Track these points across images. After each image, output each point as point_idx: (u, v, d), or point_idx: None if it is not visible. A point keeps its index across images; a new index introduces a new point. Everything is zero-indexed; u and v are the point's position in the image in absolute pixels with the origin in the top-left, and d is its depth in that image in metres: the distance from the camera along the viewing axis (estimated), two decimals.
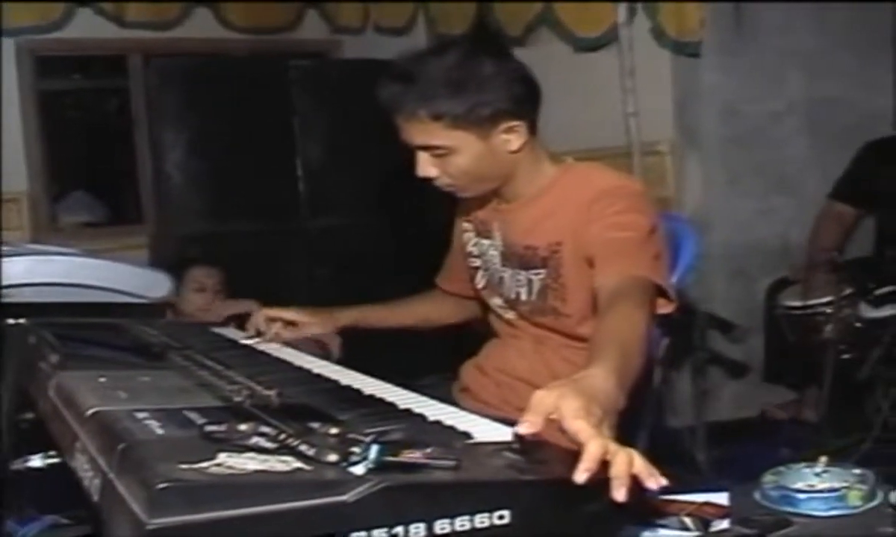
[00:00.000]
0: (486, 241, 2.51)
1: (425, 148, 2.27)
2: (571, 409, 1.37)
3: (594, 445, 1.28)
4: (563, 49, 5.41)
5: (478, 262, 2.56)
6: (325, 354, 3.16)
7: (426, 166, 2.29)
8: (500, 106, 2.22)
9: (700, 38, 4.97)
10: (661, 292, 2.14)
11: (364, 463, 1.18)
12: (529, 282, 2.40)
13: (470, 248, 2.58)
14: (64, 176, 6.73)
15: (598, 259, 2.16)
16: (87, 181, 6.94)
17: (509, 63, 2.29)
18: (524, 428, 1.37)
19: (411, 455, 1.21)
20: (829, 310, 4.19)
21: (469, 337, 2.73)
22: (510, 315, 2.50)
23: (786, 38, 5.21)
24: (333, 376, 2.01)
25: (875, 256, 4.72)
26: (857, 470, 1.63)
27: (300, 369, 2.13)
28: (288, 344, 2.58)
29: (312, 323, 2.69)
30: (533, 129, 2.33)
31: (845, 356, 4.12)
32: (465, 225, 2.60)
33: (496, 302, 2.53)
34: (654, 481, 1.31)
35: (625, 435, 1.49)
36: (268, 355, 2.35)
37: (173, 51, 6.32)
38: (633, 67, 5.04)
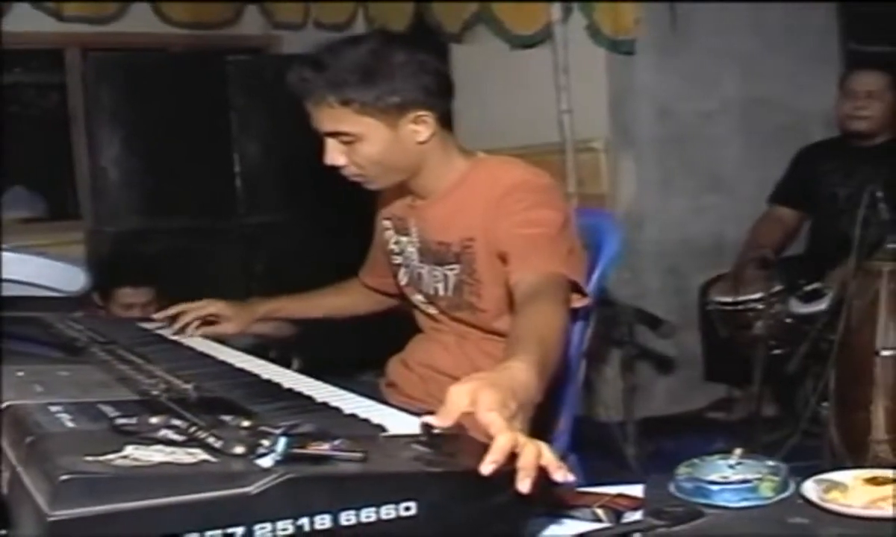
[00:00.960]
0: (404, 238, 2.53)
1: (334, 134, 2.28)
2: (487, 401, 1.39)
3: (503, 438, 1.30)
4: (499, 46, 5.40)
5: (399, 259, 2.57)
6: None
7: (334, 154, 2.31)
8: (409, 95, 2.24)
9: (635, 37, 5.00)
10: (575, 287, 2.17)
11: (271, 455, 1.18)
12: (445, 277, 2.41)
13: (391, 246, 2.58)
14: (2, 171, 6.65)
15: (511, 256, 2.17)
16: (26, 176, 6.85)
17: (421, 54, 2.30)
18: (435, 421, 1.38)
19: (319, 447, 1.22)
20: (759, 306, 4.21)
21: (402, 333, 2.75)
22: (431, 310, 2.52)
23: (720, 38, 5.25)
24: (255, 370, 2.02)
25: (806, 253, 4.77)
26: (770, 462, 1.65)
27: (223, 363, 2.13)
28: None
29: (230, 317, 2.77)
30: (443, 122, 2.35)
31: (776, 351, 4.15)
32: (385, 223, 2.61)
33: (418, 298, 2.54)
34: (562, 474, 1.33)
35: (542, 428, 1.51)
36: (192, 350, 2.35)
37: (111, 45, 6.24)
38: (568, 65, 5.05)
